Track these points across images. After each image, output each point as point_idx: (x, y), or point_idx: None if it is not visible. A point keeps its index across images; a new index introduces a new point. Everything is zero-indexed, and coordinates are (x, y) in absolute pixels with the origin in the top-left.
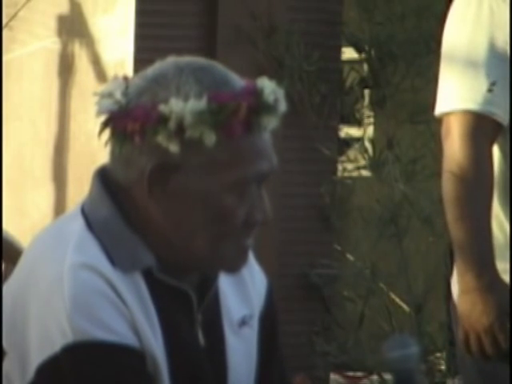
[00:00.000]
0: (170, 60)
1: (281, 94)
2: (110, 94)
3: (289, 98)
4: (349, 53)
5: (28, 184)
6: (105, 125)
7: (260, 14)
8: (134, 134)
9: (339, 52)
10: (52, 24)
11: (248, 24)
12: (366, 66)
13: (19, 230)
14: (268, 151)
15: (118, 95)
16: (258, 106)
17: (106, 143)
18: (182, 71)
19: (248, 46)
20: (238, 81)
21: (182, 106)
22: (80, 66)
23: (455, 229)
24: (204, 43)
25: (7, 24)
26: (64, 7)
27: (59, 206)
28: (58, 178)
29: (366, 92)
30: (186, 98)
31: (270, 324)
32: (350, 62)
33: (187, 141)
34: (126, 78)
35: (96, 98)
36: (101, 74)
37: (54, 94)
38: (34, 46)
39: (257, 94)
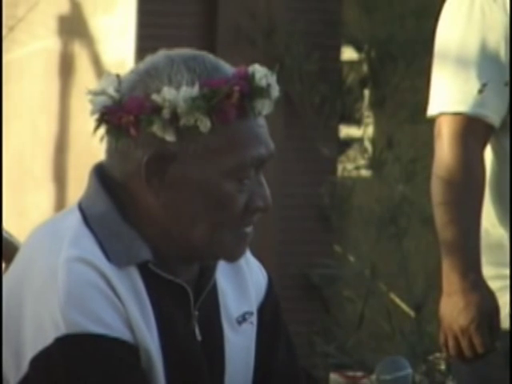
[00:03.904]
0: (161, 53)
1: (273, 79)
2: (103, 91)
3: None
4: (349, 53)
5: (28, 184)
6: (100, 121)
7: (260, 14)
8: (128, 126)
9: (339, 52)
10: (52, 24)
11: (248, 24)
12: (365, 66)
13: (19, 230)
14: (264, 136)
15: (111, 91)
16: (251, 90)
17: (102, 139)
18: (173, 62)
19: (248, 46)
20: (230, 68)
21: (174, 94)
22: (80, 65)
23: (444, 230)
24: (204, 43)
25: (12, 27)
26: (64, 7)
27: (59, 206)
28: (58, 177)
29: (366, 92)
30: (178, 87)
31: (269, 317)
32: (350, 62)
33: (182, 129)
34: (118, 75)
35: (89, 97)
36: (101, 74)
37: (54, 94)
38: (34, 46)
39: (248, 78)
